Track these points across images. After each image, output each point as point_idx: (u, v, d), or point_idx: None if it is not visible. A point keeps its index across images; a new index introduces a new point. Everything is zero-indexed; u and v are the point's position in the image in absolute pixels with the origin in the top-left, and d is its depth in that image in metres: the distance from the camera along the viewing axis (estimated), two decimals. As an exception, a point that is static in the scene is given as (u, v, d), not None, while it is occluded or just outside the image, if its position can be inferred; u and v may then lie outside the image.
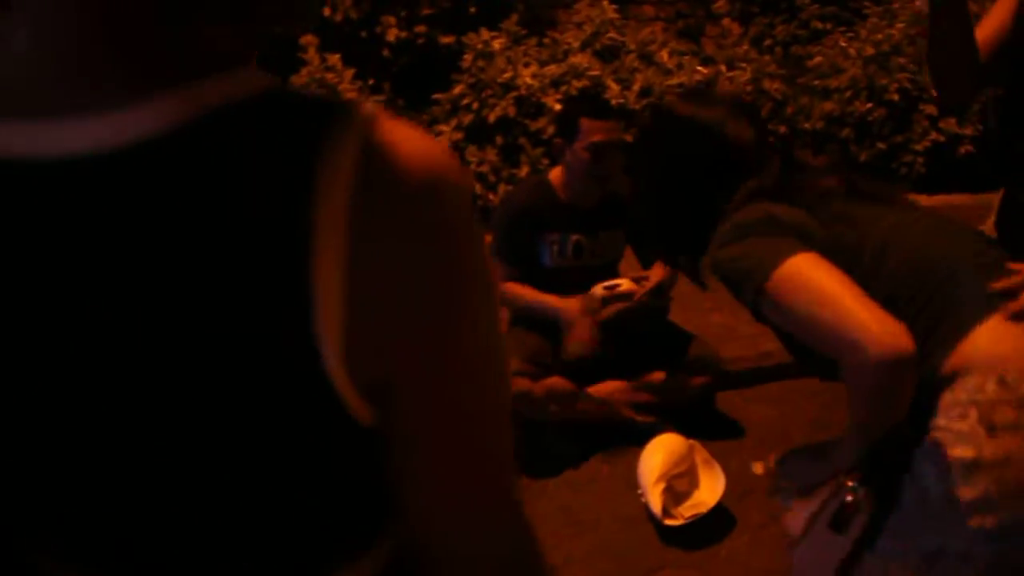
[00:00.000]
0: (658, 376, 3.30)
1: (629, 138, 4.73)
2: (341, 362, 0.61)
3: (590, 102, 3.29)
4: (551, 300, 3.14)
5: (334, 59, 5.00)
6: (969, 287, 1.49)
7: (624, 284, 3.11)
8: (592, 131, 3.05)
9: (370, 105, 0.64)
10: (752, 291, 1.52)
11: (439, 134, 5.09)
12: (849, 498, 1.48)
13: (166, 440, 0.62)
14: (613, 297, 3.11)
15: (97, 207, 0.58)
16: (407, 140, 0.63)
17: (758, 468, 2.03)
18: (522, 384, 3.05)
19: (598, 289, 3.12)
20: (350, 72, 5.02)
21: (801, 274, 1.48)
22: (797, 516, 1.68)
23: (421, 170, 0.62)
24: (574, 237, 3.20)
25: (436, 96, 5.20)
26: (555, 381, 3.13)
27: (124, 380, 0.60)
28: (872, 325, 1.39)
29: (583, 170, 3.11)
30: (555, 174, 3.24)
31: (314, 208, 0.58)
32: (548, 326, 3.20)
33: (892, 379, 1.40)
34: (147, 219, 0.58)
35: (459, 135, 5.05)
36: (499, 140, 4.97)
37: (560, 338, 3.18)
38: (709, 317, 3.98)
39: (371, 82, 5.77)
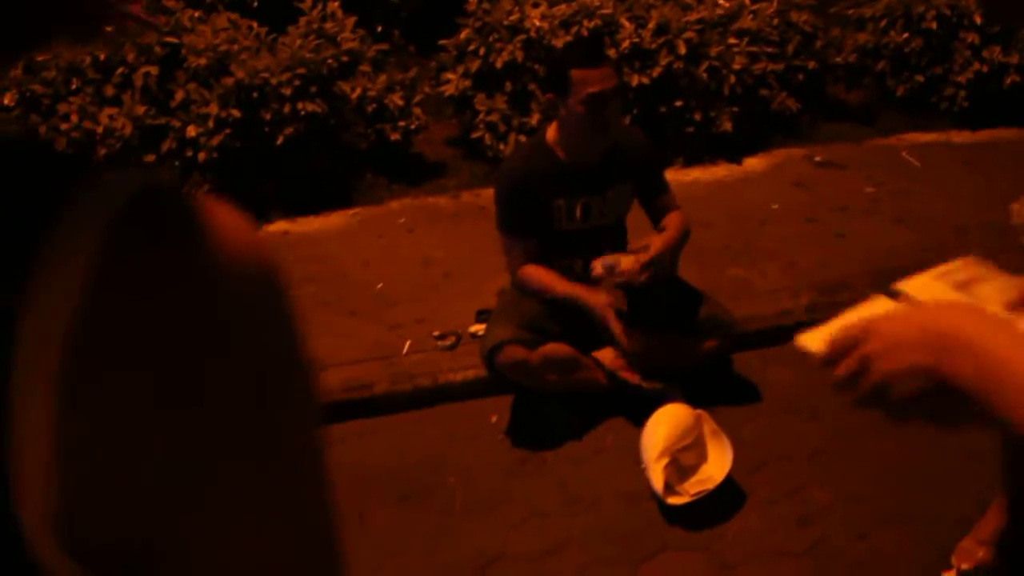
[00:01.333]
0: (666, 339, 3.09)
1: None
2: (48, 526, 0.44)
3: (579, 49, 3.01)
4: (576, 289, 2.93)
5: (333, 6, 4.78)
6: None
7: (623, 262, 2.88)
8: (586, 82, 2.80)
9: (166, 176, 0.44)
10: None
11: (446, 82, 4.85)
12: None
13: None
14: (612, 277, 2.89)
15: None
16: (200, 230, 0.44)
17: None
18: (518, 353, 2.87)
19: (598, 266, 2.89)
20: (351, 20, 4.78)
21: None
22: None
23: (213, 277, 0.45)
24: (581, 199, 2.98)
25: (442, 42, 4.95)
26: (553, 348, 2.94)
27: None
28: None
29: (581, 125, 2.87)
30: (551, 133, 3.00)
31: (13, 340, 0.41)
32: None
33: None
34: None
35: (467, 83, 4.80)
36: (508, 87, 4.72)
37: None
38: (724, 271, 3.76)
39: (379, 29, 5.55)
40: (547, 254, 3.01)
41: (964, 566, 2.45)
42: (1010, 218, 2.16)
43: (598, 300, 2.88)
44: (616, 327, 2.85)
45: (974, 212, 4.13)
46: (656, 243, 2.87)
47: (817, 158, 4.85)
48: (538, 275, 2.99)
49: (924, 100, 5.23)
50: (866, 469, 2.81)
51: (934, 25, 5.05)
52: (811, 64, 5.08)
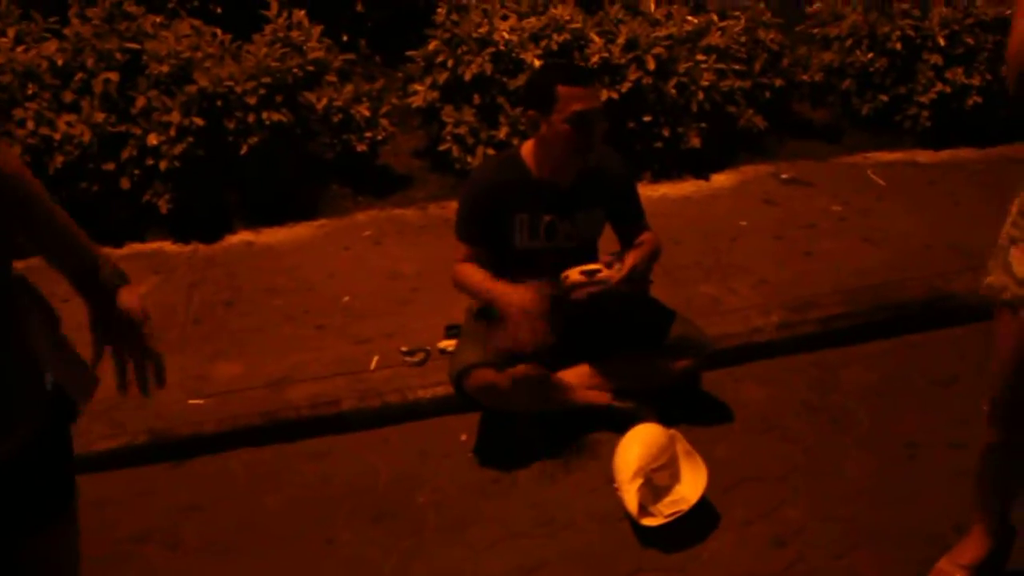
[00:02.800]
0: (637, 359, 3.05)
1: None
2: None
3: (565, 67, 2.97)
4: (496, 288, 2.83)
5: (300, 15, 4.70)
6: None
7: (602, 272, 2.82)
8: (572, 99, 2.75)
9: None
10: None
11: (414, 93, 4.80)
12: None
13: None
14: (588, 284, 2.83)
15: None
16: None
17: None
18: (487, 376, 2.82)
19: (574, 273, 2.84)
20: (318, 29, 4.71)
21: None
22: None
23: None
24: (546, 217, 2.93)
25: (410, 53, 4.90)
26: (523, 369, 2.87)
27: None
28: None
29: (564, 144, 2.81)
30: (527, 149, 2.95)
31: None
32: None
33: None
34: None
35: (435, 94, 4.75)
36: (476, 99, 4.68)
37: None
38: (696, 288, 3.74)
39: (344, 39, 5.48)
40: (509, 271, 2.94)
41: None
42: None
43: (514, 300, 2.77)
44: (518, 327, 2.74)
45: (940, 231, 4.17)
46: (631, 256, 2.83)
47: (783, 175, 4.87)
48: (468, 273, 2.91)
49: (888, 119, 5.28)
50: (840, 488, 2.80)
51: (899, 46, 5.11)
52: (778, 82, 5.11)
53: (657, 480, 2.73)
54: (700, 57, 4.85)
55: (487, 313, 2.92)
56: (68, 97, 4.27)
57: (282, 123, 4.32)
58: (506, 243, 2.95)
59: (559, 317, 2.87)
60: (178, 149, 4.17)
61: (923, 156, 5.13)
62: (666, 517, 2.63)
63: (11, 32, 4.41)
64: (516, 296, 2.77)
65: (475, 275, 2.89)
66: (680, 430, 2.84)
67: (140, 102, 4.26)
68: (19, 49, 4.31)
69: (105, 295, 1.51)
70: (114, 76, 4.27)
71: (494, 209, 2.90)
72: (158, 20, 4.62)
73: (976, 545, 2.32)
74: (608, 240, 3.12)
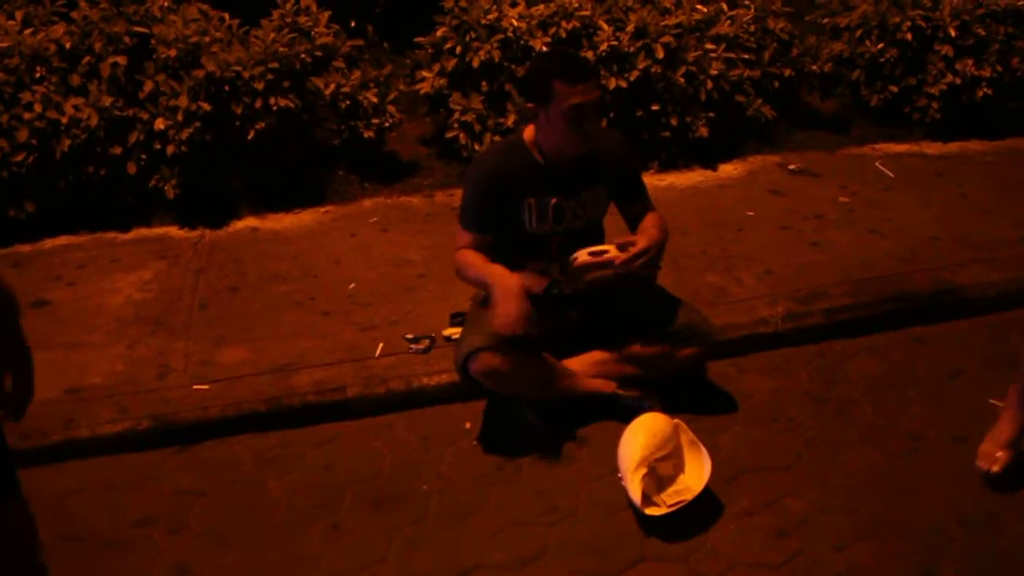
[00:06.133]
0: (643, 347, 3.05)
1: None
2: None
3: (563, 61, 2.96)
4: (490, 270, 2.84)
5: (308, 0, 4.68)
6: None
7: (611, 251, 2.83)
8: (569, 94, 2.75)
9: None
10: None
11: (421, 80, 4.78)
12: None
13: None
14: (598, 264, 2.83)
15: None
16: None
17: None
18: (493, 360, 2.81)
19: (583, 254, 2.85)
20: (326, 15, 4.69)
21: None
22: None
23: None
24: (553, 200, 2.93)
25: (418, 40, 4.88)
26: (528, 355, 2.89)
27: None
28: None
29: (561, 135, 2.83)
30: (528, 134, 2.95)
31: None
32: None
33: None
34: None
35: (443, 81, 4.74)
36: (484, 86, 4.66)
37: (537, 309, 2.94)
38: (702, 278, 3.74)
39: (352, 25, 5.46)
40: (520, 257, 2.95)
41: (994, 469, 2.60)
42: None
43: (501, 281, 2.77)
44: (508, 307, 2.73)
45: (948, 224, 4.15)
46: (642, 239, 2.83)
47: (791, 166, 4.85)
48: (468, 258, 2.92)
49: (897, 110, 5.25)
50: (843, 479, 2.80)
51: (909, 36, 5.07)
52: (787, 72, 5.07)
53: (661, 470, 2.73)
54: (709, 46, 4.82)
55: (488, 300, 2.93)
56: (75, 80, 4.26)
57: (289, 109, 4.31)
58: (517, 228, 2.94)
59: (552, 309, 2.88)
60: (185, 134, 4.17)
61: (932, 148, 5.10)
62: (669, 507, 2.64)
63: (19, 15, 4.40)
64: (506, 279, 2.78)
65: (474, 260, 2.90)
66: (684, 420, 2.84)
67: (148, 86, 4.25)
68: (27, 32, 4.30)
69: None
70: (122, 60, 4.26)
71: (503, 196, 2.90)
72: (166, 4, 4.60)
73: (1012, 424, 2.38)
74: (616, 229, 3.11)
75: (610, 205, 3.10)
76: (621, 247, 2.83)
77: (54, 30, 4.32)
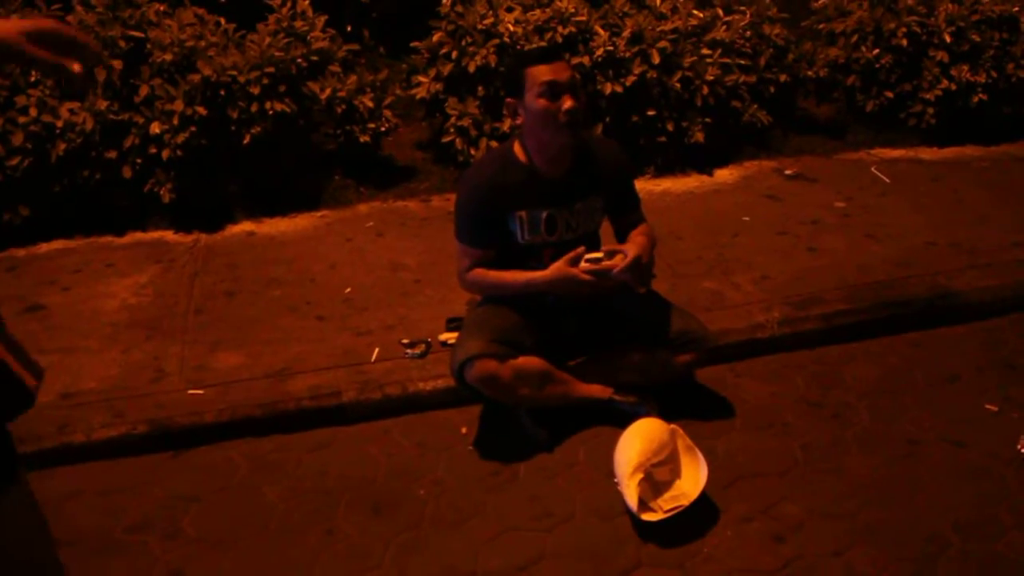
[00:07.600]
0: (639, 353, 3.05)
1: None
2: None
3: (530, 50, 2.98)
4: (535, 274, 2.90)
5: (304, 5, 4.68)
6: None
7: (605, 261, 2.83)
8: (538, 75, 2.75)
9: None
10: None
11: (417, 85, 4.79)
12: None
13: None
14: (596, 272, 2.83)
15: None
16: None
17: None
18: (490, 366, 2.80)
19: (581, 263, 2.84)
20: (322, 19, 4.69)
21: None
22: None
23: None
24: (544, 212, 2.91)
25: (414, 44, 4.88)
26: (526, 361, 2.89)
27: None
28: None
29: (542, 122, 2.77)
30: (518, 144, 2.94)
31: None
32: (519, 303, 2.95)
33: None
34: None
35: (439, 86, 4.74)
36: (480, 91, 4.67)
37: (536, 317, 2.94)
38: (698, 283, 3.73)
39: (348, 29, 5.47)
40: (513, 268, 2.95)
41: None
42: None
43: (559, 269, 2.84)
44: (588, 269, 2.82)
45: (943, 229, 4.16)
46: (632, 247, 2.82)
47: (787, 171, 4.86)
48: (490, 274, 2.95)
49: (892, 116, 5.27)
50: (839, 485, 2.79)
51: (904, 42, 5.09)
52: (782, 77, 5.09)
53: (657, 475, 2.73)
54: (705, 51, 4.83)
55: (494, 298, 2.95)
56: (71, 85, 4.25)
57: (285, 113, 4.31)
58: (509, 240, 2.94)
59: (548, 317, 2.90)
60: (181, 138, 4.17)
61: (927, 153, 5.12)
62: (666, 512, 2.63)
63: (15, 19, 4.39)
64: (550, 272, 2.86)
65: (500, 275, 2.93)
66: (681, 425, 2.83)
67: (143, 90, 4.25)
68: (22, 36, 4.29)
69: None
70: (117, 64, 4.26)
71: (494, 209, 2.88)
72: (162, 8, 4.60)
73: None
74: (606, 236, 3.11)
75: (604, 216, 3.09)
76: (609, 255, 2.83)
77: (50, 34, 4.30)
